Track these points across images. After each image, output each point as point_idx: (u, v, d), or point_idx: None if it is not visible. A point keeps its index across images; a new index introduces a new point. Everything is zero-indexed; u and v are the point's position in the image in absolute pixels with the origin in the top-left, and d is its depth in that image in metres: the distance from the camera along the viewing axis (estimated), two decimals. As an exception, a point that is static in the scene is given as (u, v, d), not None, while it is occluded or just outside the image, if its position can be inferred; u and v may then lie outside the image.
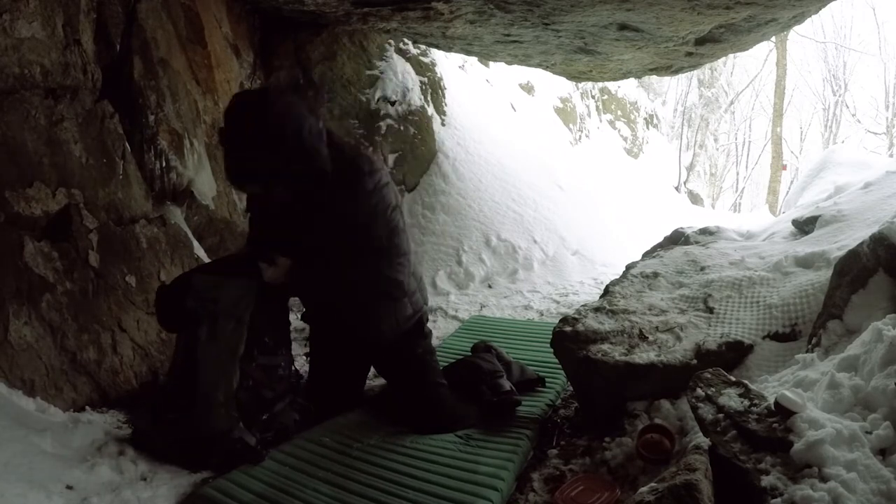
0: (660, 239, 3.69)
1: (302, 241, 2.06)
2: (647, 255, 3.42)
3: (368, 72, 4.85)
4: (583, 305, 2.48)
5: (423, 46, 5.31)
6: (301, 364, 3.03)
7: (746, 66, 17.29)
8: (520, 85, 8.26)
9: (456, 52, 4.90)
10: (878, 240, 1.92)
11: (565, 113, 9.05)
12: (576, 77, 5.69)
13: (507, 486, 1.86)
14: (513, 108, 7.38)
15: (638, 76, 5.58)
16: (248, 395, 2.05)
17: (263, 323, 2.10)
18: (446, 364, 2.58)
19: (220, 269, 2.11)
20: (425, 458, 1.99)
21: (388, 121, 4.84)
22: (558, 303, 4.16)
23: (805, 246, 2.64)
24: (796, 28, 7.22)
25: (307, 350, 2.53)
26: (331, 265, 2.06)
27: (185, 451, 1.98)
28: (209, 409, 1.94)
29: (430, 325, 3.75)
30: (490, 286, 4.38)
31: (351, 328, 2.30)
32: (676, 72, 5.15)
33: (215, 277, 2.02)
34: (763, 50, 15.09)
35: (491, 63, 7.08)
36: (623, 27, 3.74)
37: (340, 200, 1.97)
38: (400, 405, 2.30)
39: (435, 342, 3.23)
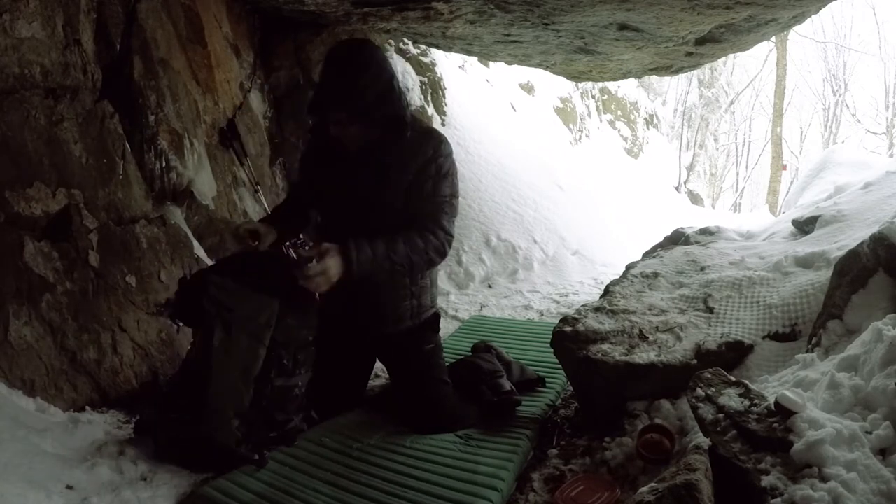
0: (660, 239, 3.69)
1: (364, 198, 2.02)
2: (647, 255, 3.42)
3: (368, 72, 4.84)
4: (583, 305, 2.48)
5: (423, 46, 5.31)
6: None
7: (746, 66, 17.32)
8: (520, 85, 8.26)
9: (456, 52, 4.90)
10: (878, 240, 1.92)
11: (565, 113, 9.06)
12: (576, 77, 5.69)
13: (506, 487, 1.86)
14: (513, 108, 7.38)
15: (638, 76, 5.58)
16: (260, 415, 1.99)
17: (284, 341, 1.99)
18: (447, 363, 2.58)
19: (243, 274, 1.98)
20: (425, 458, 1.99)
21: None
22: (558, 303, 4.16)
23: (805, 246, 2.64)
24: (796, 28, 7.22)
25: None
26: (388, 223, 1.99)
27: (186, 452, 1.97)
28: (216, 422, 1.90)
29: (430, 325, 3.75)
30: (490, 286, 4.39)
31: (371, 314, 2.23)
32: (676, 72, 5.16)
33: (234, 285, 1.93)
34: (763, 50, 15.11)
35: (491, 63, 7.08)
36: (623, 27, 3.74)
37: (421, 155, 2.01)
38: (401, 403, 2.30)
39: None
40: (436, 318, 2.36)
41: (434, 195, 2.02)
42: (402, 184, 2.02)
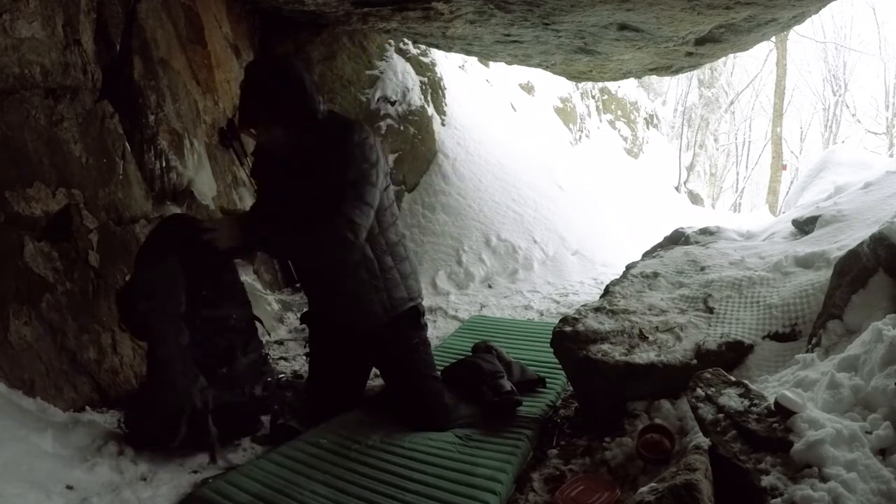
0: (660, 239, 3.69)
1: (292, 196, 2.14)
2: (647, 255, 3.42)
3: (368, 72, 4.85)
4: (583, 305, 2.48)
5: (423, 46, 5.31)
6: (301, 364, 3.04)
7: (746, 66, 17.31)
8: (520, 85, 8.26)
9: (456, 52, 4.91)
10: (878, 240, 1.92)
11: (565, 113, 9.06)
12: (576, 77, 5.69)
13: (505, 489, 1.85)
14: (513, 108, 7.38)
15: (638, 76, 5.58)
16: (201, 349, 2.08)
17: (199, 277, 2.12)
18: (447, 364, 2.58)
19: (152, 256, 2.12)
20: (423, 460, 1.99)
21: (388, 121, 4.84)
22: (558, 303, 4.16)
23: (805, 246, 2.64)
24: (796, 28, 7.22)
25: (307, 350, 2.52)
26: (310, 217, 2.06)
27: (153, 431, 2.02)
28: (167, 385, 2.01)
29: (430, 324, 3.77)
30: (490, 286, 4.39)
31: (345, 312, 2.28)
32: (676, 72, 5.16)
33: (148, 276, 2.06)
34: (763, 50, 15.11)
35: (491, 63, 7.08)
36: (623, 27, 3.74)
37: (329, 147, 2.10)
38: (396, 401, 2.31)
39: (435, 342, 3.26)
40: (415, 312, 2.34)
41: (338, 180, 2.06)
42: (325, 175, 2.09)
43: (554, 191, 5.79)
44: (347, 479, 1.88)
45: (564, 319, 2.32)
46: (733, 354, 2.09)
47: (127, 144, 2.79)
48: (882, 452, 1.37)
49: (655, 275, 2.74)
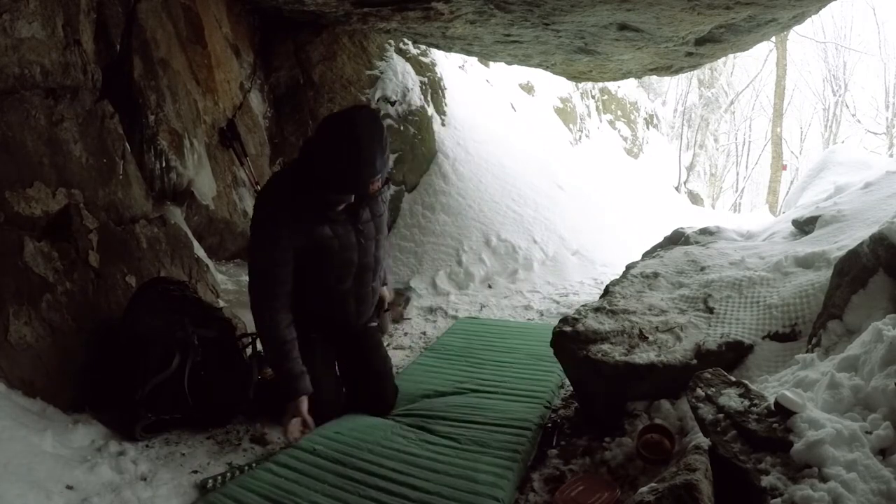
0: (660, 239, 3.69)
1: (367, 246, 2.23)
2: (647, 255, 3.42)
3: (368, 72, 4.85)
4: (583, 305, 2.48)
5: (423, 46, 5.31)
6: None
7: (746, 66, 17.29)
8: (520, 85, 8.26)
9: (456, 52, 4.90)
10: (878, 240, 1.92)
11: (565, 113, 9.05)
12: (576, 77, 5.69)
13: (507, 496, 1.83)
14: (513, 108, 7.38)
15: (638, 76, 5.58)
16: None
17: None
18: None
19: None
20: (423, 466, 1.96)
21: (388, 121, 4.83)
22: (558, 303, 4.16)
23: (805, 246, 2.64)
24: (796, 28, 7.22)
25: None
26: (378, 262, 2.32)
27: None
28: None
29: (430, 324, 3.78)
30: (490, 286, 4.38)
31: (362, 311, 2.38)
32: (676, 72, 5.15)
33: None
34: (763, 50, 15.09)
35: (491, 63, 7.08)
36: (623, 27, 3.74)
37: (386, 193, 2.34)
38: (362, 388, 2.42)
39: (434, 343, 3.26)
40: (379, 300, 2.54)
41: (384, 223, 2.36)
42: (382, 220, 2.31)
43: (554, 191, 5.78)
44: (348, 489, 1.85)
45: (564, 319, 2.32)
46: (733, 354, 2.09)
47: (127, 144, 2.79)
48: (882, 452, 1.37)
49: (655, 275, 2.73)
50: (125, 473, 1.92)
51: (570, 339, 2.21)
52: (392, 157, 4.78)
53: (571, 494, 1.78)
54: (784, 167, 13.89)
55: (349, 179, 1.95)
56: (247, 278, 3.57)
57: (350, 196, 2.04)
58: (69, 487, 1.77)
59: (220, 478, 1.98)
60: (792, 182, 13.34)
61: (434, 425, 2.22)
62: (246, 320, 2.87)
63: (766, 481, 1.35)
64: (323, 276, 2.18)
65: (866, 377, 1.55)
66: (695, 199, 12.62)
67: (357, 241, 2.17)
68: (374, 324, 2.51)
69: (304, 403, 2.11)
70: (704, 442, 1.56)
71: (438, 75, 5.57)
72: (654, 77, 6.84)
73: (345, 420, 2.28)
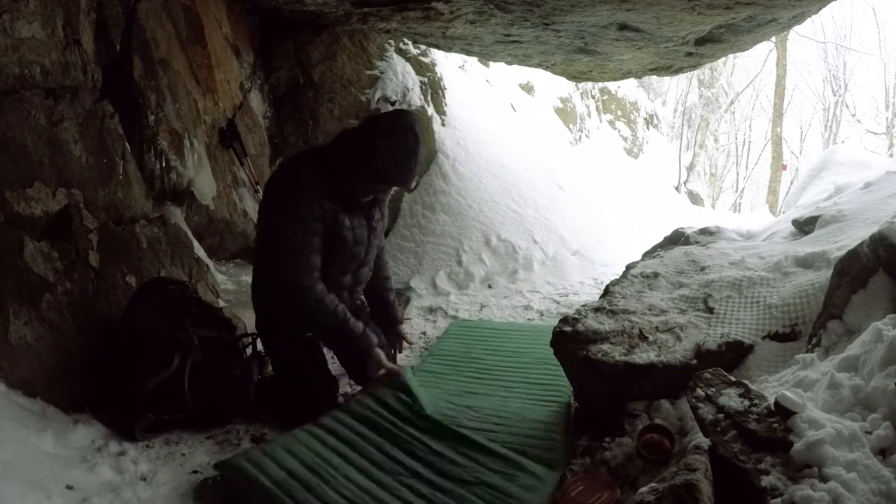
0: (660, 239, 3.69)
1: (373, 240, 2.36)
2: (647, 255, 3.42)
3: (368, 72, 4.85)
4: (583, 305, 2.48)
5: (423, 46, 5.31)
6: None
7: (746, 66, 17.31)
8: (520, 85, 8.26)
9: (456, 52, 4.90)
10: (878, 240, 1.92)
11: (565, 113, 9.05)
12: (576, 77, 5.69)
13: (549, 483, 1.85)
14: (513, 108, 7.38)
15: (638, 76, 5.58)
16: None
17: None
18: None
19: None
20: (466, 454, 1.95)
21: (388, 121, 4.83)
22: (558, 303, 4.16)
23: (805, 246, 2.64)
24: (796, 28, 7.22)
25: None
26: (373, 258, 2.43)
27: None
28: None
29: (430, 324, 3.77)
30: (490, 286, 4.38)
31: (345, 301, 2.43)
32: (676, 72, 5.15)
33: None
34: (763, 50, 15.11)
35: (491, 63, 7.08)
36: (623, 27, 3.74)
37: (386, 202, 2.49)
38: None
39: (435, 342, 3.27)
40: None
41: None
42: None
43: (554, 191, 5.78)
44: (387, 468, 1.86)
45: (564, 319, 2.32)
46: (733, 354, 2.09)
47: (127, 144, 2.79)
48: (882, 452, 1.37)
49: (655, 275, 2.73)
50: (125, 473, 1.91)
51: (570, 339, 2.21)
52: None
53: (571, 494, 1.78)
54: (784, 167, 13.90)
55: (403, 172, 2.12)
56: (247, 278, 3.59)
57: (391, 189, 2.21)
58: (69, 487, 1.77)
59: (220, 478, 1.98)
60: (792, 182, 13.35)
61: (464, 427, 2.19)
62: (246, 320, 2.86)
63: (766, 481, 1.34)
64: (327, 265, 2.21)
65: (866, 377, 1.55)
66: (695, 199, 12.63)
67: (367, 238, 2.26)
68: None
69: (381, 353, 2.22)
70: (704, 442, 1.56)
71: (438, 75, 5.57)
72: (654, 77, 6.84)
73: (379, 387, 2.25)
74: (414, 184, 2.19)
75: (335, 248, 2.18)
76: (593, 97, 10.59)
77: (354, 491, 1.77)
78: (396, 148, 2.09)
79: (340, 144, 2.16)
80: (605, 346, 2.14)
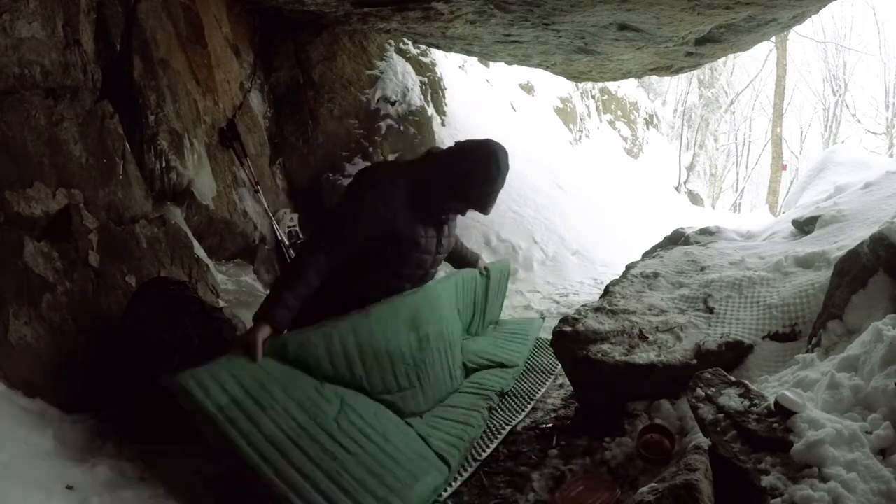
0: (660, 239, 3.69)
1: (442, 251, 2.46)
2: (647, 255, 3.42)
3: (368, 72, 4.85)
4: (583, 305, 2.48)
5: (423, 46, 5.31)
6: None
7: (746, 66, 17.30)
8: (520, 85, 8.27)
9: (456, 52, 4.91)
10: (878, 240, 1.92)
11: (565, 113, 9.06)
12: (576, 77, 5.69)
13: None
14: (513, 108, 7.39)
15: (638, 76, 5.58)
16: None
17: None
18: None
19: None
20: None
21: (388, 121, 4.84)
22: (558, 303, 4.16)
23: (805, 246, 2.64)
24: (796, 28, 7.22)
25: None
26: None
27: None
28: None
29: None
30: (490, 286, 4.38)
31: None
32: (676, 72, 5.16)
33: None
34: (763, 50, 15.10)
35: (491, 63, 7.09)
36: (623, 27, 3.74)
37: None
38: None
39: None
40: None
41: None
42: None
43: (554, 191, 5.79)
44: (324, 408, 1.87)
45: (564, 319, 2.32)
46: (733, 354, 2.09)
47: (127, 144, 2.79)
48: (882, 452, 1.37)
49: (655, 275, 2.74)
50: (125, 473, 1.91)
51: (570, 339, 2.21)
52: (392, 157, 4.80)
53: (571, 494, 1.78)
54: (784, 167, 13.90)
55: (485, 198, 2.32)
56: (247, 278, 3.59)
57: (469, 209, 2.36)
58: (69, 487, 1.76)
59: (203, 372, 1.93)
60: (792, 182, 13.35)
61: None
62: (246, 320, 2.86)
63: (766, 481, 1.35)
64: (391, 265, 2.27)
65: (866, 377, 1.55)
66: (695, 199, 12.63)
67: (436, 250, 2.38)
68: None
69: (263, 333, 1.86)
70: (704, 442, 1.56)
71: (438, 75, 5.57)
72: (654, 77, 6.84)
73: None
74: (490, 209, 2.37)
75: (401, 250, 2.28)
76: (593, 97, 10.60)
77: (293, 429, 1.75)
78: (487, 176, 2.28)
79: (437, 165, 2.32)
80: (605, 346, 2.14)
